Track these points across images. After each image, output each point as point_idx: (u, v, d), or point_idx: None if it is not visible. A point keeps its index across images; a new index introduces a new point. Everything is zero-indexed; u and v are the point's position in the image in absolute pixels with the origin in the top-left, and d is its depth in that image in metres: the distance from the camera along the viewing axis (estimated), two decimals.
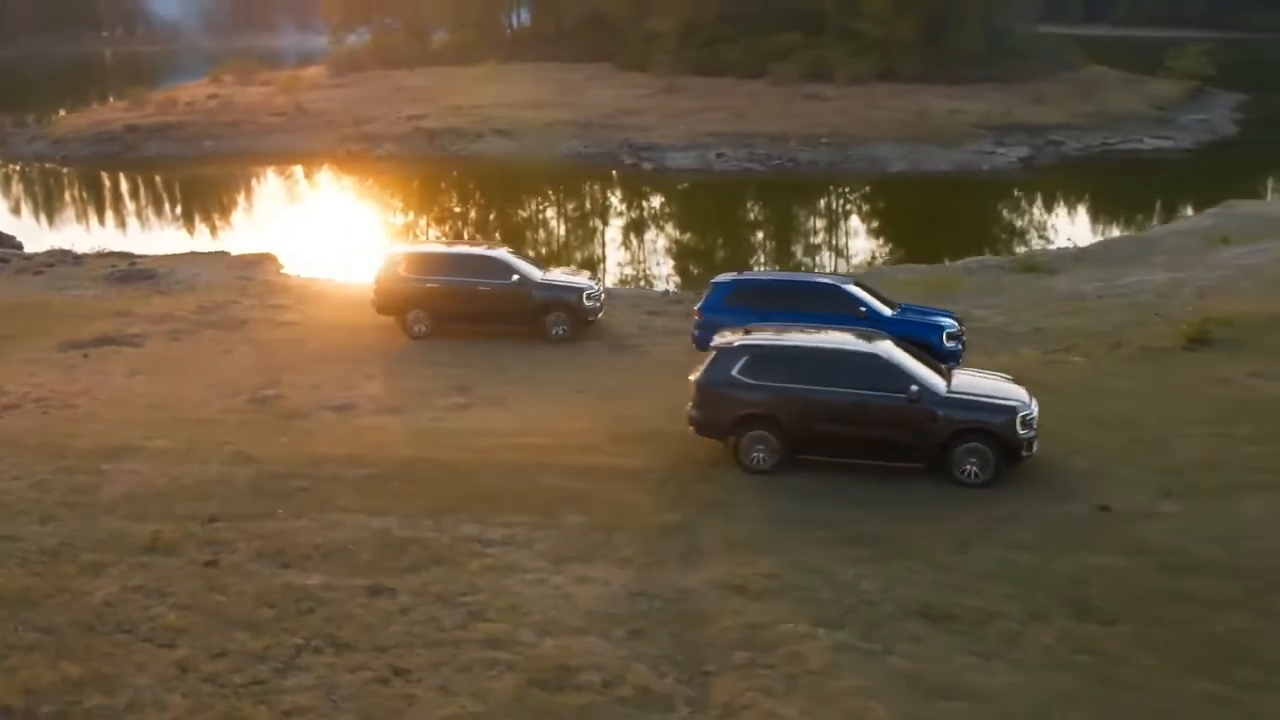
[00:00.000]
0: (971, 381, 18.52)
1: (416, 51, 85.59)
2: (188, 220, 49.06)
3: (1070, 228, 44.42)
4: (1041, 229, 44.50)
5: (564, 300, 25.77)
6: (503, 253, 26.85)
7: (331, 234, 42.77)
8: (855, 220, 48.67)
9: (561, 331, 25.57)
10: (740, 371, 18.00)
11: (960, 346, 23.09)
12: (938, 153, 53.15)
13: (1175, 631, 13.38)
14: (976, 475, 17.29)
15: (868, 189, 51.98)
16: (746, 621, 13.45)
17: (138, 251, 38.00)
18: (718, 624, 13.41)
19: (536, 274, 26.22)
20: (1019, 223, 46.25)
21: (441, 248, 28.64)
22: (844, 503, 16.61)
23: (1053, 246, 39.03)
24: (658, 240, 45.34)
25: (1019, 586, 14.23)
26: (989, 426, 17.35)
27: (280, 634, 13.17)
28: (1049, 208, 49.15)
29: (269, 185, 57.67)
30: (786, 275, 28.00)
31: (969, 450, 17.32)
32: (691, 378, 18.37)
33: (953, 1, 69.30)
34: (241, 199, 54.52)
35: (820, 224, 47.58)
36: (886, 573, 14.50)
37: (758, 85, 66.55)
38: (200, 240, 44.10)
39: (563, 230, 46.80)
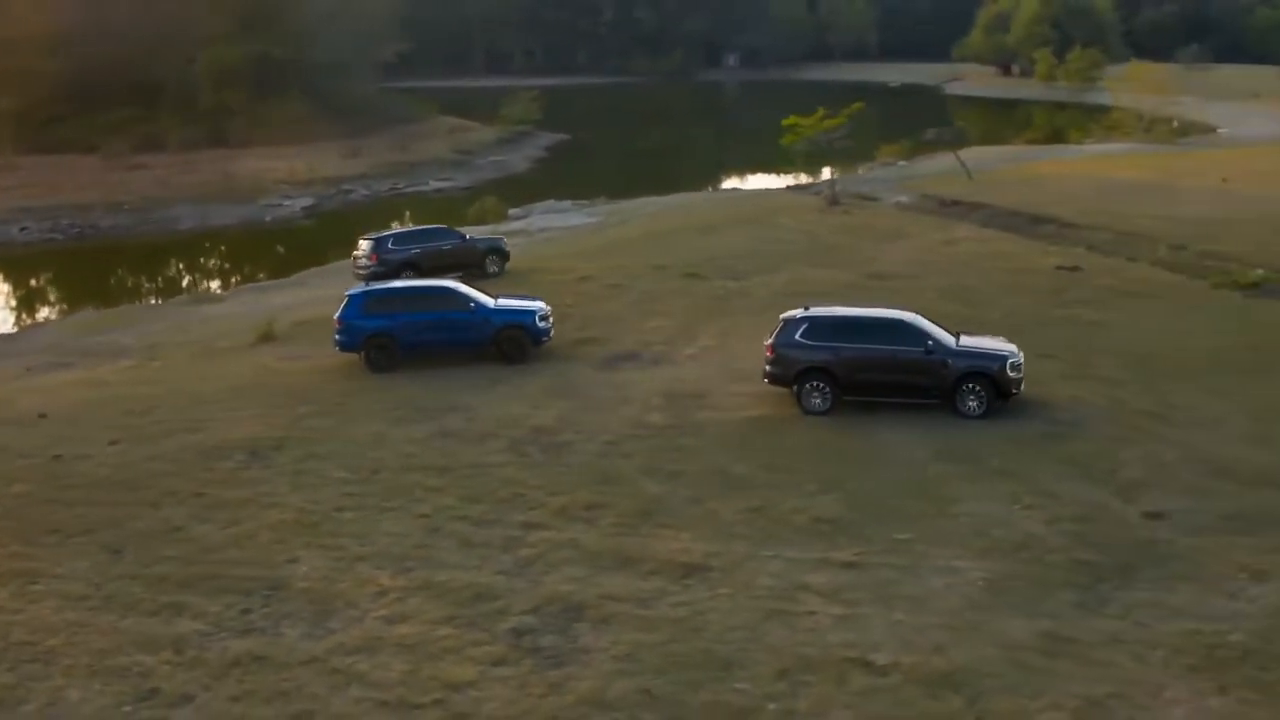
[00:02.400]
0: (976, 340, 24.40)
1: None
2: None
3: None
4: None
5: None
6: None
7: None
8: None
9: None
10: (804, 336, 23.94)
11: (549, 325, 28.64)
12: (228, 209, 59.99)
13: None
14: (976, 409, 23.19)
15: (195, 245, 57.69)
16: None
17: None
18: None
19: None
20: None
21: None
22: None
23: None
24: None
25: None
26: (985, 371, 23.29)
27: None
28: (297, 248, 56.43)
29: None
30: (406, 283, 31.27)
31: (971, 390, 23.20)
32: (766, 341, 24.21)
33: (276, 71, 76.32)
34: None
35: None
36: None
37: (90, 159, 70.52)
38: None
39: None
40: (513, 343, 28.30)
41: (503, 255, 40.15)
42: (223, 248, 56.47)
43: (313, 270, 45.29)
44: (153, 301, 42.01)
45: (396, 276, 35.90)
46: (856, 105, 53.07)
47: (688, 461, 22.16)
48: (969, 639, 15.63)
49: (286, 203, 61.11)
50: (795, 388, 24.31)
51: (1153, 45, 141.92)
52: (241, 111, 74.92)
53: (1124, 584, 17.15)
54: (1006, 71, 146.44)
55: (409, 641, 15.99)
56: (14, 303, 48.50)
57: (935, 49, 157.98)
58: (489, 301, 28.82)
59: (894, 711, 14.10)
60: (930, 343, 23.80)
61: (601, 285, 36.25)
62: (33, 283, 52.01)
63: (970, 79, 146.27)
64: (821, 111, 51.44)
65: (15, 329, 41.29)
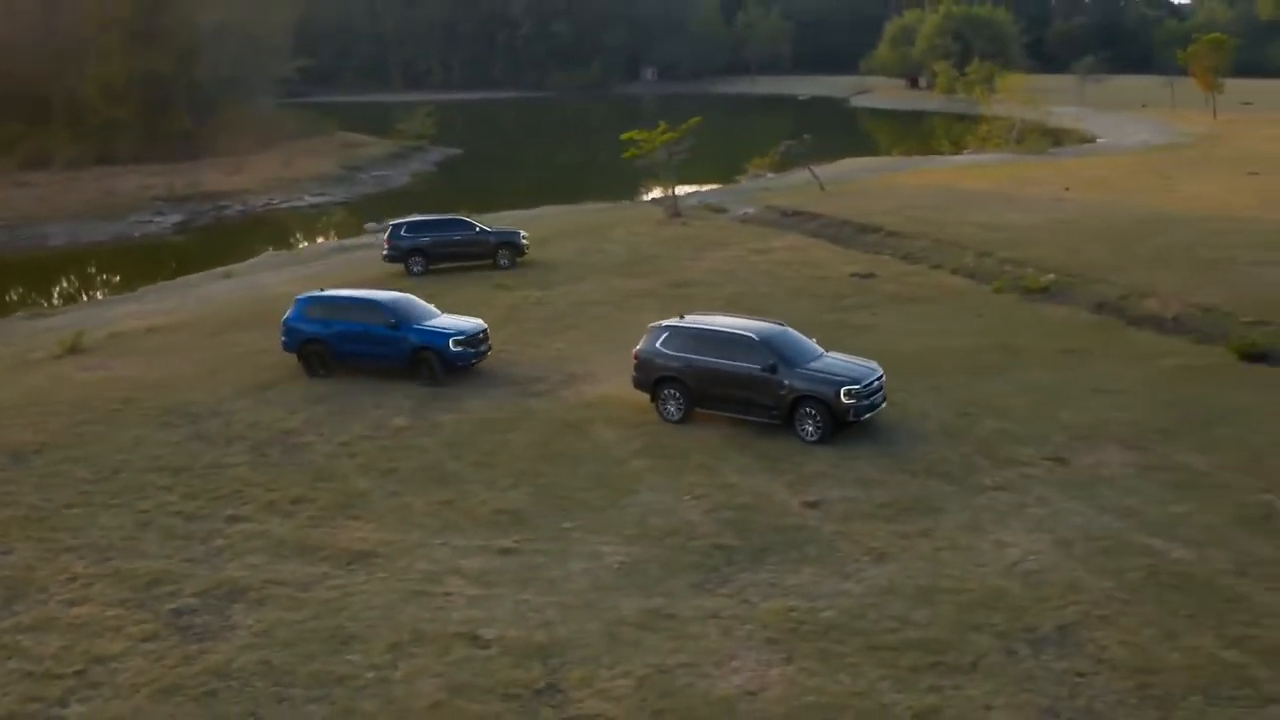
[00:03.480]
0: (830, 361, 24.23)
1: None
2: None
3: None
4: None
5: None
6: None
7: None
8: None
9: None
10: (663, 345, 24.55)
11: (473, 350, 28.45)
12: (100, 226, 60.75)
13: None
14: (812, 434, 23.30)
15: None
16: None
17: None
18: None
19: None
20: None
21: None
22: None
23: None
24: None
25: None
26: (820, 396, 23.30)
27: None
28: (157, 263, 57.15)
29: None
30: (345, 292, 31.58)
31: (808, 414, 23.25)
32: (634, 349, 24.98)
33: (164, 88, 77.22)
34: None
35: None
36: None
37: None
38: None
39: None
40: (425, 364, 28.32)
41: (515, 249, 42.17)
42: (85, 264, 57.32)
43: (159, 285, 46.27)
44: None
45: (405, 262, 40.67)
46: (694, 120, 54.58)
47: (407, 459, 23.67)
48: (578, 616, 17.19)
49: (158, 219, 62.04)
50: (653, 394, 25.18)
51: (1064, 56, 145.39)
52: (129, 128, 75.55)
53: (751, 566, 18.74)
54: (914, 84, 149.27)
55: (79, 621, 17.44)
56: None
57: (848, 62, 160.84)
58: (425, 318, 29.10)
59: (476, 679, 15.63)
60: (770, 361, 23.82)
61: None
62: None
63: (878, 91, 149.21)
64: (663, 126, 52.98)
65: None
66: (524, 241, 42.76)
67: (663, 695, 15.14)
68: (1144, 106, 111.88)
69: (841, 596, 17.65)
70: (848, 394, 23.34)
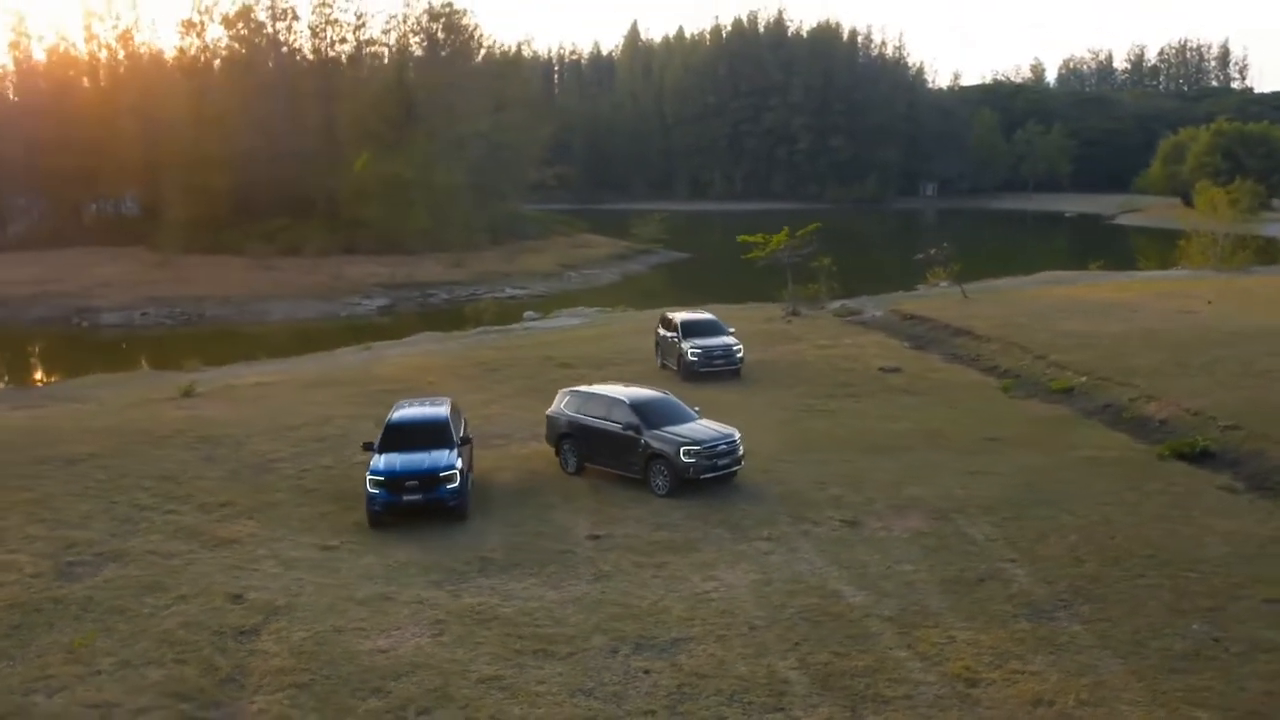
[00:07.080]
0: (692, 426, 27.60)
1: None
2: None
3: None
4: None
5: None
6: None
7: None
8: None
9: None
10: (564, 406, 29.65)
11: (383, 493, 25.76)
12: (315, 305, 70.78)
13: None
14: (662, 488, 26.93)
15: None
16: None
17: None
18: None
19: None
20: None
21: None
22: None
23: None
24: None
25: None
26: (665, 454, 27.40)
27: None
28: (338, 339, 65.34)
29: None
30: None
31: (659, 470, 26.97)
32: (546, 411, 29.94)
33: (406, 190, 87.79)
34: None
35: None
36: None
37: (238, 260, 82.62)
38: None
39: None
40: None
41: (685, 363, 42.06)
42: (282, 335, 66.26)
43: (307, 356, 54.20)
44: (162, 369, 51.70)
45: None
46: (813, 225, 58.51)
47: (334, 485, 29.16)
48: (324, 592, 21.96)
49: (365, 302, 71.32)
50: (556, 449, 29.55)
51: None
52: (374, 224, 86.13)
53: (493, 575, 22.69)
54: (1187, 202, 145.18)
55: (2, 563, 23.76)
56: (74, 365, 59.61)
57: (1126, 180, 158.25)
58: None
59: (208, 620, 20.53)
60: (633, 422, 27.47)
61: (482, 369, 43.63)
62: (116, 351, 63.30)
63: (1150, 210, 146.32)
64: (785, 231, 57.35)
65: (39, 383, 52.05)
66: (692, 358, 42.11)
67: (317, 644, 19.59)
68: None
69: (531, 600, 21.34)
70: (686, 453, 26.67)
